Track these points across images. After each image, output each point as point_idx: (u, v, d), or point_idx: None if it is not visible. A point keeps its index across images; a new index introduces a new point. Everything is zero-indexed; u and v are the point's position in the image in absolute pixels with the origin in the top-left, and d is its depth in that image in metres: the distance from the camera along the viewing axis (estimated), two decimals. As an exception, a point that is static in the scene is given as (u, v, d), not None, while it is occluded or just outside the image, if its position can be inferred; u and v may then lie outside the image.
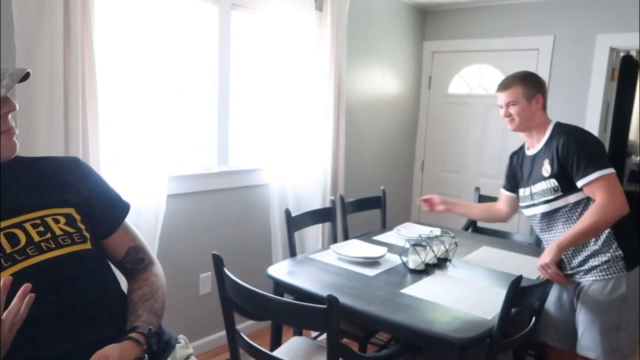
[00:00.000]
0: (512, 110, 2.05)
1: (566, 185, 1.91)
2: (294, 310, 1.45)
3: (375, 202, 3.11)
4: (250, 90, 2.87)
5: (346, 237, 2.78)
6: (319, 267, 2.19)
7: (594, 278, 1.94)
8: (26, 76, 0.97)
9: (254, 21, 2.82)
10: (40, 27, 1.81)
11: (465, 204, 2.60)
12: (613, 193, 1.81)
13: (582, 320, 1.97)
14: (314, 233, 3.08)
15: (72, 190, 1.09)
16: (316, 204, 3.07)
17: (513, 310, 1.70)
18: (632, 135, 5.16)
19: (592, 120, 3.48)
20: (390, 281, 2.05)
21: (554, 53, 3.63)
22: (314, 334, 2.66)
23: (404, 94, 4.18)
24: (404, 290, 1.95)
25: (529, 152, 2.13)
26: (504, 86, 2.08)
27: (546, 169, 1.97)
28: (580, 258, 1.98)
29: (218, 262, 1.60)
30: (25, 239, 0.97)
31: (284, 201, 2.94)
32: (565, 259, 2.02)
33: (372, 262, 2.24)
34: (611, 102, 3.62)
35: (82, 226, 1.06)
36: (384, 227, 3.04)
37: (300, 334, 2.20)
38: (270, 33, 2.76)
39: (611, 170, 1.84)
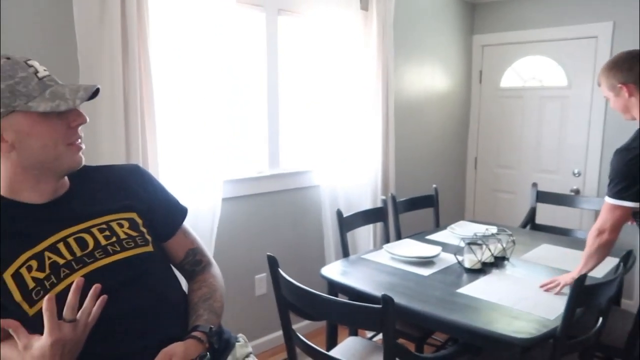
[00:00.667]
0: (612, 103, 1.95)
1: None
2: (349, 310, 1.45)
3: (427, 201, 3.06)
4: (299, 92, 2.90)
5: (399, 237, 2.76)
6: (372, 267, 2.18)
7: None
8: (96, 92, 1.03)
9: (300, 25, 2.85)
10: (101, 43, 1.90)
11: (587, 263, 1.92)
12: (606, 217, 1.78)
13: None
14: (366, 233, 3.07)
15: (134, 196, 1.14)
16: (367, 204, 3.06)
17: (578, 310, 1.63)
18: None
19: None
20: (445, 281, 2.02)
21: (614, 40, 3.44)
22: (369, 334, 2.65)
23: (454, 90, 4.09)
24: (461, 290, 1.91)
25: None
26: (600, 75, 1.95)
27: None
28: None
29: (273, 264, 1.63)
30: (93, 243, 1.03)
31: (334, 202, 2.95)
32: None
33: (426, 262, 2.21)
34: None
35: (144, 230, 1.11)
36: (437, 226, 2.99)
37: (355, 334, 2.20)
38: (316, 35, 2.78)
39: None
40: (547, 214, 3.33)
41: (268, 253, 1.65)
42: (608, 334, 2.13)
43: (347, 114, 2.96)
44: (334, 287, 2.08)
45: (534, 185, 3.27)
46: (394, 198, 2.86)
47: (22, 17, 1.82)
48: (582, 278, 1.54)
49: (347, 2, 2.88)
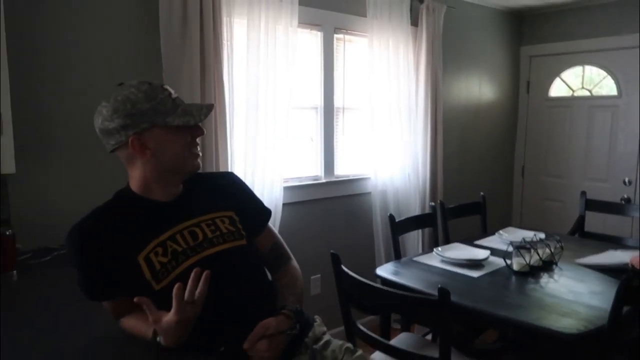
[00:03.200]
0: None
1: None
2: (407, 302, 1.61)
3: (475, 208, 3.16)
4: (353, 104, 3.09)
5: (447, 242, 2.87)
6: (423, 268, 2.31)
7: None
8: (211, 107, 1.27)
9: (355, 41, 3.04)
10: (182, 64, 2.16)
11: None
12: None
13: None
14: (414, 238, 3.21)
15: (232, 198, 1.37)
16: (415, 211, 3.19)
17: (626, 309, 1.71)
18: None
19: None
20: (494, 282, 2.13)
21: (666, 49, 3.45)
22: (419, 333, 2.77)
23: (501, 100, 4.17)
24: (510, 290, 2.02)
25: None
26: None
27: None
28: None
29: (336, 260, 1.80)
30: (202, 236, 1.25)
31: (385, 208, 3.10)
32: None
33: (476, 265, 2.32)
34: None
35: (240, 226, 1.33)
36: (485, 232, 3.08)
37: (407, 331, 2.33)
38: (369, 50, 2.96)
39: None
40: (596, 223, 3.35)
41: (332, 251, 1.82)
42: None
43: (398, 124, 3.12)
44: (388, 285, 2.21)
45: (583, 193, 3.31)
46: (442, 204, 2.98)
47: (115, 40, 2.10)
48: (629, 276, 1.63)
49: (399, 19, 3.05)
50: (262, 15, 2.43)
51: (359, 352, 1.35)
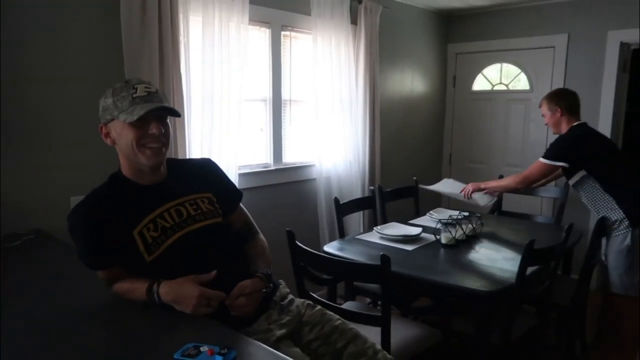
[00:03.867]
0: (546, 119, 2.94)
1: (565, 169, 2.82)
2: (357, 268, 1.89)
3: (409, 191, 3.52)
4: (299, 96, 3.32)
5: (385, 222, 3.19)
6: (365, 244, 2.61)
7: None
8: (172, 111, 1.44)
9: (300, 38, 3.27)
10: (142, 58, 2.29)
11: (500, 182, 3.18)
12: (531, 174, 2.88)
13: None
14: (355, 219, 3.51)
15: (209, 181, 1.58)
16: (356, 194, 3.49)
17: (530, 270, 2.09)
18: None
19: (606, 111, 3.80)
20: (426, 254, 2.46)
21: (569, 49, 3.96)
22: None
23: (431, 93, 4.57)
24: (439, 260, 2.37)
25: None
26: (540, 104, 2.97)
27: None
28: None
29: (291, 237, 2.05)
30: (186, 213, 1.45)
31: (329, 193, 3.37)
32: None
33: (410, 240, 2.65)
34: (624, 93, 3.92)
35: (217, 206, 1.54)
36: (417, 212, 3.44)
37: (353, 300, 2.63)
38: (314, 47, 3.20)
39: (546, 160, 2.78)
40: (512, 202, 3.82)
41: (287, 229, 2.06)
42: (559, 296, 2.62)
43: (340, 115, 3.39)
44: (335, 260, 2.50)
45: (501, 177, 3.75)
46: (380, 188, 3.30)
47: (78, 34, 2.20)
48: (531, 243, 2.00)
49: (340, 17, 3.30)
50: (215, 12, 2.59)
51: (318, 307, 1.61)
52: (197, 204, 1.48)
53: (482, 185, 3.09)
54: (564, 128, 2.84)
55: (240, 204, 1.69)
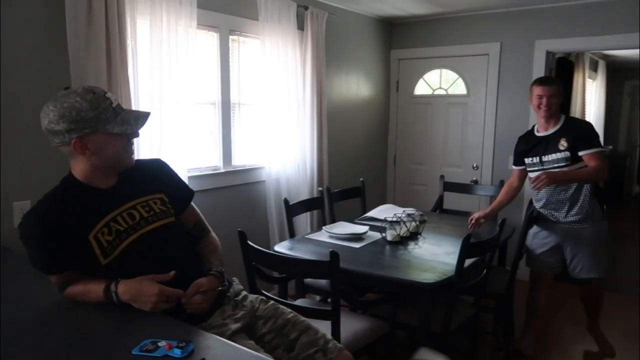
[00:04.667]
0: (553, 101, 2.77)
1: (575, 156, 2.69)
2: (308, 265, 1.96)
3: (356, 192, 3.64)
4: (248, 99, 3.37)
5: (333, 221, 3.30)
6: (314, 243, 2.70)
7: (583, 225, 2.77)
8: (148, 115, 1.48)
9: (248, 42, 3.32)
10: (88, 61, 2.26)
11: (495, 203, 3.12)
12: (603, 163, 2.66)
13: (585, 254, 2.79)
14: (304, 220, 3.60)
15: (161, 181, 1.61)
16: (305, 196, 3.58)
17: (469, 262, 2.25)
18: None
19: (535, 115, 4.08)
20: (373, 250, 2.58)
21: (502, 57, 4.24)
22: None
23: (375, 97, 4.74)
24: (385, 256, 2.49)
25: (541, 134, 2.86)
26: (548, 82, 2.81)
27: (562, 144, 2.72)
28: (572, 215, 2.77)
29: (243, 237, 2.10)
30: (139, 216, 1.47)
31: (278, 194, 3.44)
32: (559, 216, 2.82)
33: (358, 238, 2.76)
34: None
35: (169, 206, 1.57)
36: (364, 212, 3.57)
37: (303, 297, 2.71)
38: (262, 51, 3.26)
39: (602, 148, 2.73)
40: (453, 201, 4.03)
41: (239, 229, 2.11)
42: (495, 285, 2.82)
43: (288, 118, 3.46)
44: (286, 259, 2.57)
45: (442, 177, 3.97)
46: (328, 189, 3.40)
47: (21, 35, 2.15)
48: (468, 237, 2.16)
49: (287, 23, 3.38)
50: (163, 16, 2.60)
51: (271, 301, 1.68)
52: (149, 205, 1.51)
53: (557, 173, 2.71)
54: (556, 115, 2.81)
55: (192, 203, 1.72)
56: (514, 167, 3.07)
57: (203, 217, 1.75)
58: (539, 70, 4.05)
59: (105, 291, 1.34)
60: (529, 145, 2.90)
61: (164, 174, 1.65)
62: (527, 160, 2.90)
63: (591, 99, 6.68)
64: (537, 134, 2.88)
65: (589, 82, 6.25)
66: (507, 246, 3.26)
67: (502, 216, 2.79)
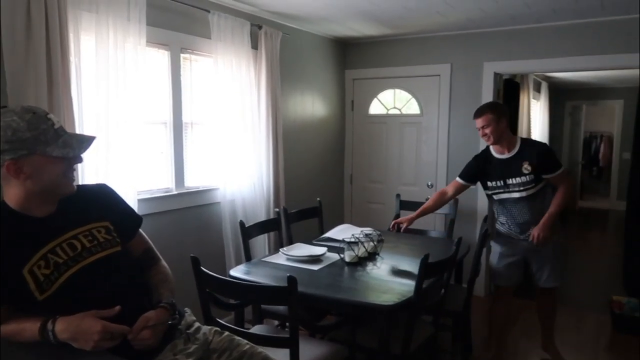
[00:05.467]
0: (489, 129, 2.83)
1: (538, 178, 2.78)
2: (264, 291, 1.89)
3: (313, 212, 3.60)
4: (201, 119, 3.28)
5: (291, 243, 3.24)
6: (271, 267, 2.62)
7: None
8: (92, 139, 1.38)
9: (200, 61, 3.25)
10: (27, 80, 2.12)
11: (421, 209, 3.16)
12: (568, 180, 2.84)
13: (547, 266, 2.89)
14: (261, 242, 3.51)
15: (105, 208, 1.49)
16: (261, 217, 3.50)
17: (427, 282, 2.24)
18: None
19: (485, 133, 4.21)
20: (332, 272, 2.54)
21: (452, 78, 4.35)
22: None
23: (331, 116, 4.74)
24: (344, 277, 2.45)
25: (499, 156, 2.91)
26: (479, 114, 2.88)
27: (526, 168, 2.79)
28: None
29: (196, 263, 2.00)
30: (81, 246, 1.36)
31: (234, 216, 3.34)
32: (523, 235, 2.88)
33: (316, 260, 2.71)
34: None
35: (115, 234, 1.46)
36: (322, 232, 3.53)
37: (260, 323, 2.61)
38: (215, 69, 3.19)
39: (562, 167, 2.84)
40: (408, 219, 4.06)
41: (191, 254, 2.01)
42: (452, 303, 2.82)
43: (242, 137, 3.39)
44: (242, 284, 2.48)
45: (398, 196, 4.00)
46: (285, 210, 3.34)
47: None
48: (426, 258, 2.15)
49: (240, 42, 3.34)
50: (110, 33, 2.49)
51: (226, 333, 1.59)
52: (92, 234, 1.40)
53: (547, 222, 2.77)
54: (506, 138, 2.86)
55: (140, 230, 1.62)
56: (458, 179, 3.10)
57: (152, 245, 1.65)
58: (487, 90, 4.18)
59: (41, 330, 1.22)
60: (488, 167, 2.94)
61: (109, 201, 1.54)
62: (490, 184, 2.93)
63: (536, 119, 6.98)
64: (496, 156, 2.92)
65: (533, 102, 6.53)
66: (463, 264, 3.29)
67: (458, 234, 2.82)
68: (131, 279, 1.46)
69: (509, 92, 4.75)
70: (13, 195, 1.32)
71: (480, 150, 3.13)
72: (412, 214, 3.12)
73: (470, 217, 4.26)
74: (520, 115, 5.79)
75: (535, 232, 2.76)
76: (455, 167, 4.35)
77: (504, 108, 2.92)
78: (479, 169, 3.00)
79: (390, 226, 3.10)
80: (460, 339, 3.05)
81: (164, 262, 1.65)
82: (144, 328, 1.32)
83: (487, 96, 4.18)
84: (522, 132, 5.91)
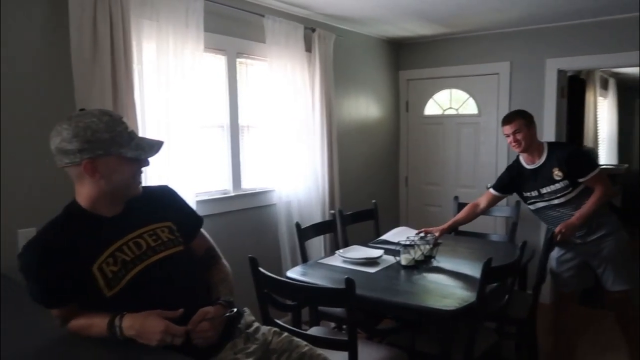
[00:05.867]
0: (519, 136, 2.77)
1: (573, 182, 2.65)
2: (322, 293, 1.87)
3: (369, 214, 3.55)
4: (256, 122, 3.32)
5: (346, 245, 3.20)
6: (327, 269, 2.60)
7: (605, 239, 2.71)
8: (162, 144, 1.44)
9: (256, 65, 3.29)
10: (93, 86, 2.22)
11: (453, 220, 3.10)
12: (606, 181, 2.66)
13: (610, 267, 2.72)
14: (317, 243, 3.50)
15: (168, 209, 1.54)
16: (317, 219, 3.49)
17: (489, 287, 2.14)
18: (588, 143, 5.76)
19: (548, 133, 4.01)
20: (388, 275, 2.48)
21: (512, 76, 4.18)
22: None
23: (385, 118, 4.68)
24: (401, 281, 2.39)
25: (530, 166, 2.84)
26: (508, 120, 2.83)
27: (557, 174, 2.68)
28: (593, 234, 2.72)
29: (254, 263, 2.01)
30: (146, 245, 1.40)
31: (289, 218, 3.36)
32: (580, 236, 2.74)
33: (372, 262, 2.66)
34: (563, 116, 4.16)
35: (178, 234, 1.50)
36: (378, 235, 3.47)
37: (317, 325, 2.60)
38: (270, 73, 3.23)
39: (598, 166, 2.71)
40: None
41: (249, 255, 2.02)
42: (517, 310, 2.69)
43: (297, 139, 3.41)
44: (298, 286, 2.47)
45: (456, 198, 3.87)
46: (341, 212, 3.32)
47: (23, 56, 2.13)
48: (489, 262, 2.06)
49: (294, 45, 3.36)
50: (170, 39, 2.57)
51: (285, 333, 1.58)
52: (156, 234, 1.44)
53: (574, 222, 2.66)
54: (535, 146, 2.80)
55: (202, 230, 1.65)
56: (491, 189, 3.04)
57: (213, 244, 1.68)
58: (550, 88, 3.98)
59: (109, 325, 1.26)
60: (521, 179, 2.87)
61: (171, 201, 1.58)
62: (526, 194, 2.86)
63: (603, 117, 6.59)
64: (527, 167, 2.85)
65: (600, 99, 6.18)
66: (527, 269, 3.13)
67: (521, 238, 2.68)
68: (192, 278, 1.49)
69: (574, 89, 4.50)
70: (85, 194, 1.37)
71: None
72: (443, 225, 3.02)
73: (535, 219, 4.04)
74: (587, 114, 5.49)
75: (559, 227, 2.65)
76: (516, 168, 4.17)
77: (531, 115, 2.86)
78: (512, 180, 2.93)
79: (417, 233, 2.95)
80: (525, 348, 2.90)
81: (224, 261, 1.67)
82: (202, 320, 1.33)
83: (550, 94, 3.99)
84: (588, 131, 5.59)
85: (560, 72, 4.00)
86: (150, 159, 1.44)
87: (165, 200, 1.57)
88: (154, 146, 1.41)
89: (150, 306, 1.30)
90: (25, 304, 1.59)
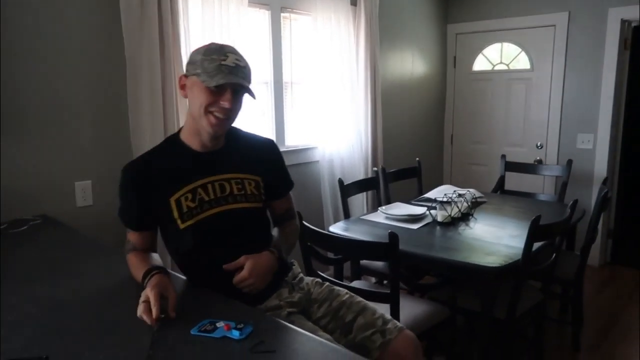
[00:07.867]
0: None
1: None
2: (365, 246, 1.89)
3: (412, 172, 3.52)
4: (300, 78, 3.30)
5: (388, 202, 3.21)
6: (370, 225, 2.62)
7: None
8: (250, 93, 1.43)
9: (300, 19, 3.24)
10: (142, 41, 2.27)
11: None
12: None
13: None
14: (359, 200, 3.52)
15: (263, 164, 1.56)
16: (359, 176, 3.49)
17: (536, 245, 2.10)
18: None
19: (607, 89, 3.78)
20: (430, 232, 2.48)
21: (570, 28, 3.93)
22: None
23: (432, 74, 4.54)
24: (444, 237, 2.38)
25: None
26: None
27: None
28: None
29: (299, 217, 2.04)
30: (229, 191, 1.45)
31: (332, 175, 3.37)
32: None
33: (414, 219, 2.66)
34: (625, 70, 3.90)
35: (263, 191, 1.53)
36: (421, 193, 3.45)
37: (359, 279, 2.65)
38: (314, 28, 3.17)
39: None
40: (515, 181, 3.83)
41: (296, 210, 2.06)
42: (563, 271, 2.64)
43: (341, 97, 3.37)
44: (341, 240, 2.50)
45: (503, 157, 3.77)
46: (383, 169, 3.30)
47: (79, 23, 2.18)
48: (537, 219, 2.01)
49: (340, -1, 3.27)
50: (215, -6, 2.56)
51: (326, 284, 1.62)
52: (243, 184, 1.48)
53: None
54: None
55: (290, 192, 1.71)
56: None
57: (294, 205, 1.74)
58: (612, 40, 3.73)
59: (143, 277, 1.32)
60: None
61: (270, 157, 1.61)
62: None
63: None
64: None
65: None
66: (576, 229, 3.04)
67: (571, 198, 2.59)
68: (259, 237, 1.53)
69: (639, 42, 4.17)
70: (186, 123, 1.46)
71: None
72: None
73: (586, 180, 3.91)
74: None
75: None
76: (569, 127, 4.00)
77: None
78: None
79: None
80: (571, 309, 2.85)
81: (296, 221, 1.73)
82: (238, 269, 1.37)
83: (612, 46, 3.74)
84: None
85: (624, 22, 3.72)
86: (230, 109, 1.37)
87: (264, 154, 1.59)
88: (226, 82, 1.33)
89: (214, 250, 1.39)
90: (88, 253, 1.71)
